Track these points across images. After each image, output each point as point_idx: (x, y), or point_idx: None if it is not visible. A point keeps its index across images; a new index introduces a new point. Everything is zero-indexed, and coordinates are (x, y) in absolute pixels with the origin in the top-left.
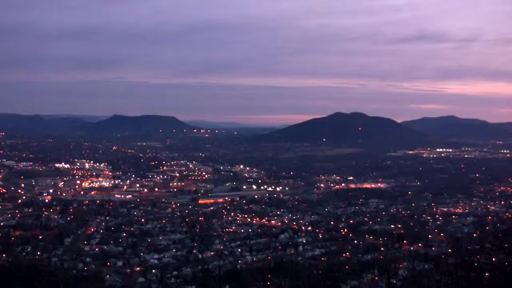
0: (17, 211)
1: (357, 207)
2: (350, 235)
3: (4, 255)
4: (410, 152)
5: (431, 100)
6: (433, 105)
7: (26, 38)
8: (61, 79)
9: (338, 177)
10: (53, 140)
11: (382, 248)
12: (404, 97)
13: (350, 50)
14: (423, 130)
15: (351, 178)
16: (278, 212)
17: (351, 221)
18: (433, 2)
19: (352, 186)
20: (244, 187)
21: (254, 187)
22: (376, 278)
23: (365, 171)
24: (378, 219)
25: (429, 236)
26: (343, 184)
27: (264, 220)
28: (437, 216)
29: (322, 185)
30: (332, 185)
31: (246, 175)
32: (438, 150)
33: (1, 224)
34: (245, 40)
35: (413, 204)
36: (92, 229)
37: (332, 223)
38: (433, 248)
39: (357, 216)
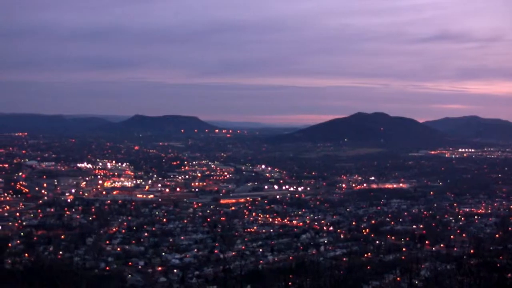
0: (39, 210)
1: (379, 207)
2: (372, 235)
3: (26, 254)
4: (432, 152)
5: (454, 100)
6: (456, 105)
7: (47, 39)
8: (83, 79)
9: (359, 177)
10: (75, 140)
11: (404, 249)
12: (426, 97)
13: (371, 50)
14: (445, 130)
15: (372, 178)
16: (299, 212)
17: (372, 221)
18: (456, 1)
19: (374, 186)
20: (266, 187)
21: (276, 187)
22: (398, 278)
23: (387, 171)
24: (400, 220)
25: (451, 236)
26: (364, 184)
27: (285, 220)
28: (459, 216)
29: (343, 185)
30: (353, 185)
31: (267, 175)
32: (460, 150)
33: (24, 223)
34: (266, 40)
35: (435, 205)
36: (114, 229)
37: (353, 223)
38: (455, 249)
39: (379, 216)
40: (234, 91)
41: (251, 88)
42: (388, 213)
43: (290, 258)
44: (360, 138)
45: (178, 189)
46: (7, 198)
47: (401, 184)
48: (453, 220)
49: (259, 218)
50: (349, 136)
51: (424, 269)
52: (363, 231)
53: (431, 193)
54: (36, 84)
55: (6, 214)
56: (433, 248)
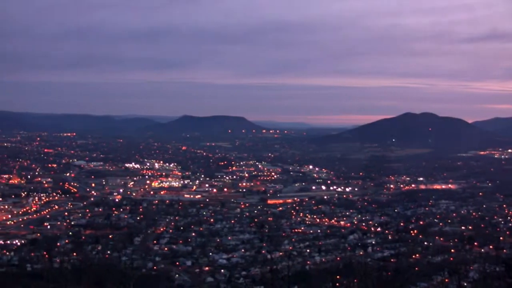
0: (87, 210)
1: (427, 208)
2: (420, 236)
3: (74, 253)
4: (481, 152)
5: (503, 100)
6: (505, 105)
7: (96, 40)
8: (131, 80)
9: (407, 178)
10: (123, 140)
11: (452, 250)
12: (475, 97)
13: (420, 50)
14: (495, 131)
15: (421, 178)
16: (347, 213)
17: (420, 222)
18: (506, 0)
19: (422, 187)
20: (313, 187)
21: (323, 187)
22: (446, 280)
23: (435, 172)
24: (448, 221)
25: (500, 238)
26: (413, 185)
27: (333, 220)
28: (508, 217)
29: (391, 185)
30: (401, 185)
31: (315, 175)
32: (510, 150)
33: (72, 223)
34: (314, 40)
35: (484, 206)
36: (162, 229)
37: (401, 224)
38: (504, 251)
39: (427, 217)
40: (281, 92)
41: (298, 88)
42: (437, 214)
43: (338, 259)
44: (408, 139)
45: (225, 190)
46: (56, 197)
47: (449, 185)
48: (502, 222)
49: (307, 219)
50: (397, 136)
51: (473, 271)
52: (411, 232)
53: (480, 194)
54: (85, 85)
55: (55, 213)
56: (482, 250)
